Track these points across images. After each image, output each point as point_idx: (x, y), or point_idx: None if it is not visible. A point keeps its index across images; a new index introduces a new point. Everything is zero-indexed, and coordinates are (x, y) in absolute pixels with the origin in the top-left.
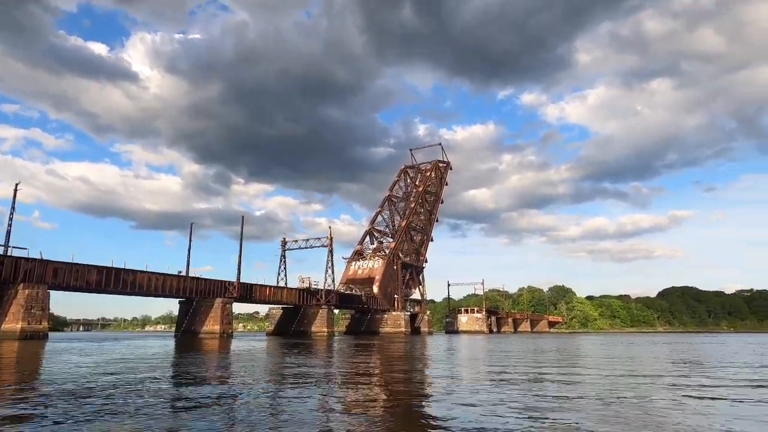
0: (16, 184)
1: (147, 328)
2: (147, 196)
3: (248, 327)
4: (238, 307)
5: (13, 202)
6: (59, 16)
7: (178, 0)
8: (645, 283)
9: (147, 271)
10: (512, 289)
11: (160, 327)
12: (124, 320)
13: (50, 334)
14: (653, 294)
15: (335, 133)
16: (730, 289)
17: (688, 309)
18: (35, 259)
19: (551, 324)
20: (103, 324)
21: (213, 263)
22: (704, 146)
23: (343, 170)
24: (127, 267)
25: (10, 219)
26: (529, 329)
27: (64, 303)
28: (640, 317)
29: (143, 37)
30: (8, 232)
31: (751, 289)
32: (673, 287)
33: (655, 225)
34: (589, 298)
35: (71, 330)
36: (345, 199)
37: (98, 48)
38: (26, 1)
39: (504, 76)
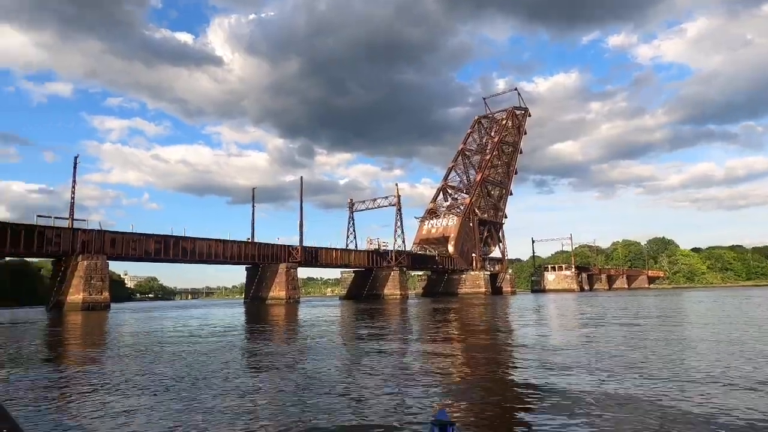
0: (75, 158)
1: None
2: (239, 173)
3: (335, 291)
4: (325, 273)
5: (74, 175)
6: (147, 10)
7: None
8: (762, 231)
9: (207, 238)
10: (604, 245)
11: None
12: (225, 288)
13: (152, 303)
14: None
15: (412, 97)
16: None
17: None
18: (93, 230)
19: (651, 279)
20: (207, 292)
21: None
22: None
23: (422, 133)
24: (186, 235)
25: (73, 192)
26: (626, 286)
27: (174, 276)
28: (758, 269)
29: (221, 21)
30: (71, 204)
31: None
32: None
33: None
34: (695, 250)
35: (180, 299)
36: (425, 163)
37: (184, 37)
38: None
39: (587, 18)
